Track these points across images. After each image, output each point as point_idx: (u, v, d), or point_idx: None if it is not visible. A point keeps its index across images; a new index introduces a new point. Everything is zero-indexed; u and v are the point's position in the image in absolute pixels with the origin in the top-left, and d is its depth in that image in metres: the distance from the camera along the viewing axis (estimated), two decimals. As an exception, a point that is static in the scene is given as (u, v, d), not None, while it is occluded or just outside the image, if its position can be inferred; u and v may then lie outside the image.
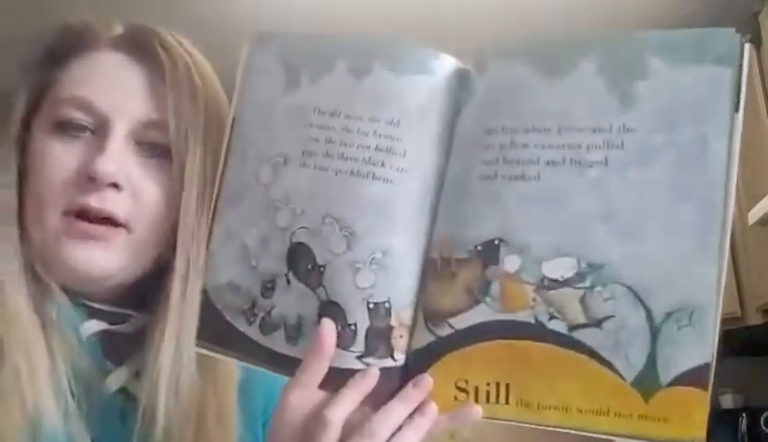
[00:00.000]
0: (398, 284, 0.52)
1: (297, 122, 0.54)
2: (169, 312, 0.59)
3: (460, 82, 0.54)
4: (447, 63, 0.55)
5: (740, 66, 0.48)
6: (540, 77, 0.51)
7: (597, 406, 0.48)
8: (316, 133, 0.53)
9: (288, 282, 0.53)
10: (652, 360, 0.46)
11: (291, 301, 0.53)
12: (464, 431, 2.77)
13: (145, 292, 0.62)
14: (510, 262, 0.50)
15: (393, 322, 0.52)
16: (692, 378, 0.46)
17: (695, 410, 0.47)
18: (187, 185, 0.58)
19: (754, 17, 2.32)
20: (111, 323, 0.61)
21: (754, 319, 2.40)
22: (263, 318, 0.54)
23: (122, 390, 0.60)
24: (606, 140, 0.48)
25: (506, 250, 0.50)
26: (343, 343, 0.51)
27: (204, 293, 0.57)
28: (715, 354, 0.46)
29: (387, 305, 0.51)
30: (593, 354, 0.48)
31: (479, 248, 0.51)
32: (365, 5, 2.70)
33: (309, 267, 0.52)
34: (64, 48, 0.61)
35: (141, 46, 0.61)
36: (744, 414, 2.51)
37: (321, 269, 0.52)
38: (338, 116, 0.53)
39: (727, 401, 2.65)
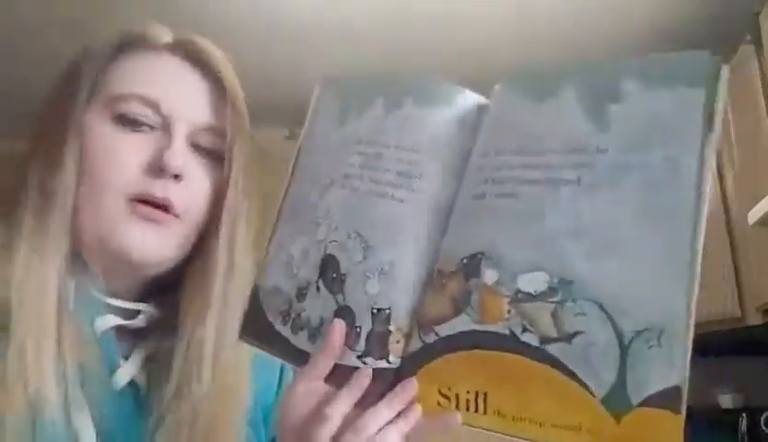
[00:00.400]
0: (399, 294, 0.57)
1: (344, 150, 0.62)
2: (213, 287, 0.65)
3: (480, 116, 0.60)
4: (470, 98, 0.61)
5: (715, 88, 0.48)
6: (526, 103, 0.55)
7: (570, 422, 0.48)
8: (355, 160, 0.61)
9: (318, 288, 0.60)
10: (622, 378, 0.47)
11: (317, 305, 0.60)
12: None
13: (160, 286, 0.67)
14: (489, 275, 0.53)
15: (392, 328, 0.57)
16: (663, 399, 0.46)
17: (668, 433, 0.46)
18: (233, 180, 0.66)
19: (754, 17, 2.31)
20: (125, 319, 0.65)
21: (754, 319, 2.40)
22: (294, 318, 0.61)
23: (131, 383, 0.63)
24: (579, 160, 0.50)
25: (487, 263, 0.53)
26: (350, 342, 0.57)
27: (256, 294, 0.64)
28: (687, 377, 0.46)
29: (387, 311, 0.57)
30: (564, 368, 0.49)
31: (464, 261, 0.55)
32: (365, 3, 2.70)
33: (334, 275, 0.59)
34: (118, 47, 0.67)
35: (195, 54, 0.68)
36: (744, 414, 2.51)
37: (343, 277, 0.58)
38: (373, 145, 0.61)
39: (727, 401, 2.65)
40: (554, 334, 0.49)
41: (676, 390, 0.46)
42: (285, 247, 0.63)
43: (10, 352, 0.54)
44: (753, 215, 2.24)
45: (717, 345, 2.67)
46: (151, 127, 0.64)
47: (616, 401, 0.47)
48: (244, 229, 0.68)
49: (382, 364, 0.56)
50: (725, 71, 0.48)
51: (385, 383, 0.56)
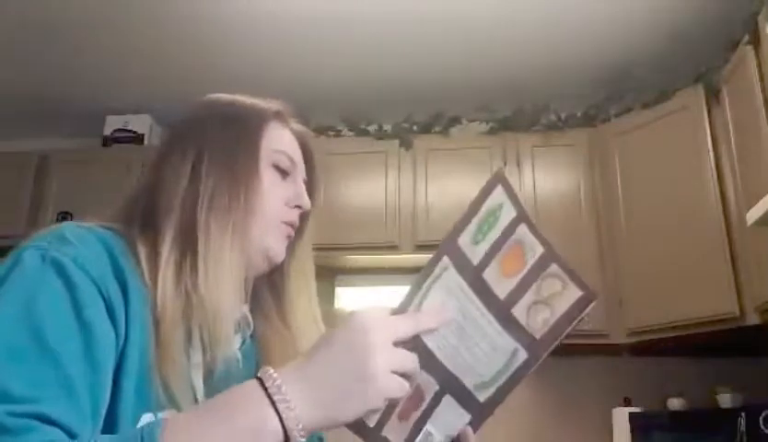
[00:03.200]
0: None
1: None
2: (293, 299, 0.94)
3: None
4: None
5: None
6: None
7: None
8: None
9: None
10: None
11: None
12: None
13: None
14: None
15: None
16: None
17: None
18: (311, 216, 0.97)
19: (754, 16, 2.32)
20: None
21: (752, 318, 2.41)
22: None
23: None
24: None
25: None
26: None
27: None
28: None
29: None
30: None
31: None
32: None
33: None
34: (277, 118, 0.93)
35: (306, 142, 0.96)
36: (743, 414, 2.52)
37: None
38: None
39: (726, 401, 2.66)
40: None
41: None
42: None
43: (169, 322, 0.73)
44: (752, 215, 2.24)
45: (716, 345, 2.68)
46: (288, 176, 0.91)
47: None
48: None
49: None
50: None
51: None
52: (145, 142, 3.32)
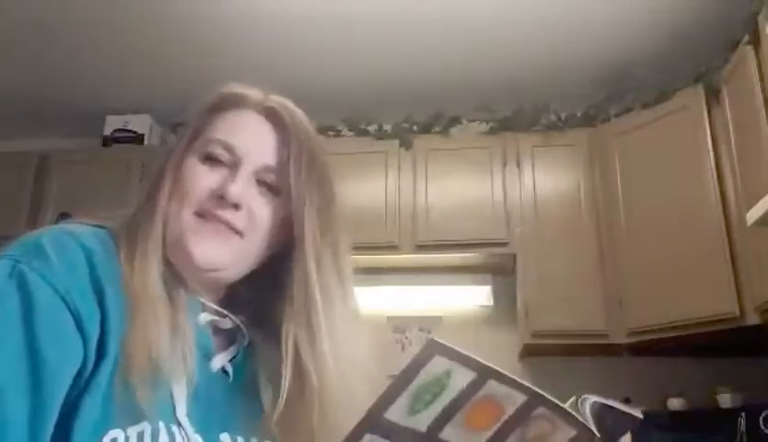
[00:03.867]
0: None
1: None
2: (303, 307, 0.79)
3: None
4: None
5: None
6: None
7: None
8: None
9: None
10: None
11: None
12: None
13: (237, 300, 0.84)
14: None
15: None
16: None
17: None
18: (295, 207, 0.81)
19: (754, 16, 2.32)
20: (217, 317, 0.82)
21: (752, 318, 2.41)
22: None
23: (223, 370, 0.80)
24: None
25: None
26: None
27: None
28: None
29: None
30: None
31: None
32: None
33: None
34: (222, 104, 0.84)
35: (271, 112, 0.83)
36: (743, 414, 2.52)
37: None
38: None
39: (726, 401, 2.66)
40: None
41: None
42: None
43: (136, 331, 0.68)
44: (752, 215, 2.24)
45: (716, 345, 2.68)
46: (225, 164, 0.79)
47: None
48: (320, 248, 0.81)
49: None
50: None
51: None
52: (145, 142, 3.31)
